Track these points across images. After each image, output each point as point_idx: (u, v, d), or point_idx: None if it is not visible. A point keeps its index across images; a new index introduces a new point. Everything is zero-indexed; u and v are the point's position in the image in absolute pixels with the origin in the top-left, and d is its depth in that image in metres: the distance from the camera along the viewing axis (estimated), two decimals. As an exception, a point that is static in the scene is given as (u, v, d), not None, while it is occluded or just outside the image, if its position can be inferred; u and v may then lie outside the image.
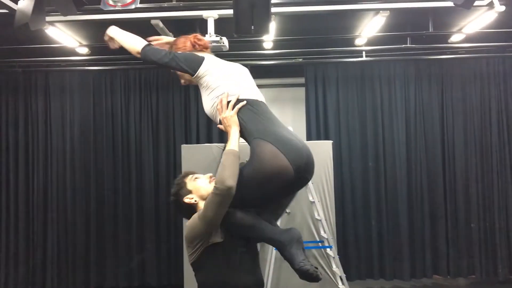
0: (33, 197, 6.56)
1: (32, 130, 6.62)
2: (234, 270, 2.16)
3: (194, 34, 2.43)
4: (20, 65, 6.40)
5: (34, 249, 6.52)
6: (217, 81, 2.22)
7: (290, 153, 2.05)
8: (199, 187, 2.29)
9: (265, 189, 2.09)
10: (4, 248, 6.52)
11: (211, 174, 2.35)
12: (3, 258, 6.52)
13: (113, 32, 2.36)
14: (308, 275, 1.99)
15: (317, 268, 2.04)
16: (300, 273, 2.00)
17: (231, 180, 2.03)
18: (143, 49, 2.25)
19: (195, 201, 2.27)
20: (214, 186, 2.07)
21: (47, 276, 6.47)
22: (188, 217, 2.23)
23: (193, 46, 2.38)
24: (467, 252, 6.46)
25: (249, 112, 2.18)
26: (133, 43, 2.28)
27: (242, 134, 2.21)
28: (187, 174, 2.35)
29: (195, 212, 2.22)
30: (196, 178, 2.33)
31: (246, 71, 2.40)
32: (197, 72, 2.23)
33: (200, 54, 2.33)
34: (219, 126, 2.26)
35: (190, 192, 2.28)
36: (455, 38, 6.05)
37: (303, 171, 2.09)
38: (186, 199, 2.27)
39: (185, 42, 2.39)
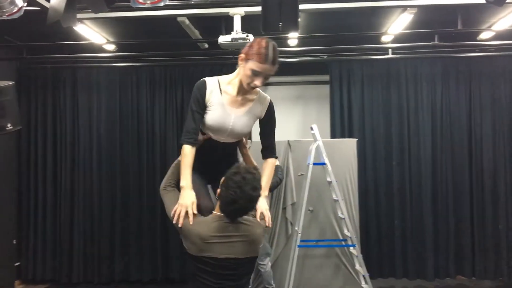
0: (60, 191, 6.68)
1: (60, 125, 6.75)
2: None
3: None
4: (49, 62, 6.51)
5: (61, 243, 6.66)
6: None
7: None
8: None
9: None
10: (32, 242, 6.68)
11: None
12: (31, 251, 6.67)
13: None
14: None
15: None
16: None
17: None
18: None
19: None
20: None
21: (74, 269, 6.61)
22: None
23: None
24: (494, 254, 6.35)
25: None
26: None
27: None
28: None
29: None
30: None
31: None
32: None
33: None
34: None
35: None
36: (485, 35, 5.93)
37: None
38: None
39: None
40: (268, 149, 2.41)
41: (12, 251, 6.41)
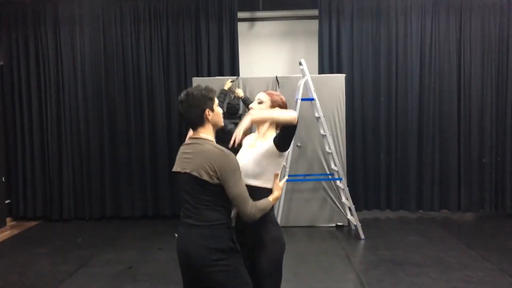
0: (47, 129, 6.63)
1: (43, 62, 6.59)
2: None
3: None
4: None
5: (51, 181, 6.68)
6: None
7: None
8: (219, 115, 2.34)
9: None
10: (21, 181, 6.70)
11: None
12: (21, 190, 6.71)
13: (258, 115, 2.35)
14: None
15: None
16: None
17: None
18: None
19: (209, 120, 2.29)
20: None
21: (64, 206, 6.67)
22: (192, 122, 2.30)
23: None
24: (478, 187, 6.51)
25: None
26: (286, 115, 2.27)
27: None
28: (214, 93, 2.34)
29: (202, 125, 2.27)
30: (217, 104, 2.35)
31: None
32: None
33: None
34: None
35: (213, 111, 2.29)
36: (478, -35, 5.78)
37: None
38: (208, 113, 2.27)
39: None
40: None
41: (1, 188, 6.44)
